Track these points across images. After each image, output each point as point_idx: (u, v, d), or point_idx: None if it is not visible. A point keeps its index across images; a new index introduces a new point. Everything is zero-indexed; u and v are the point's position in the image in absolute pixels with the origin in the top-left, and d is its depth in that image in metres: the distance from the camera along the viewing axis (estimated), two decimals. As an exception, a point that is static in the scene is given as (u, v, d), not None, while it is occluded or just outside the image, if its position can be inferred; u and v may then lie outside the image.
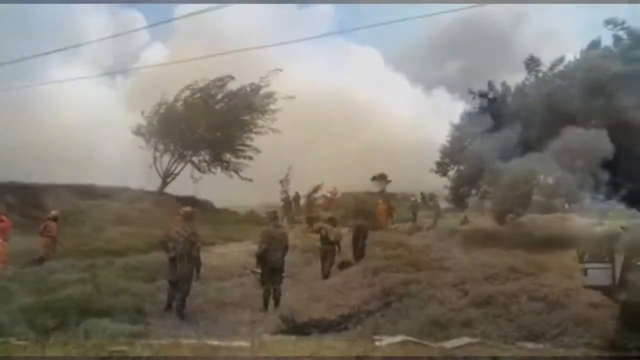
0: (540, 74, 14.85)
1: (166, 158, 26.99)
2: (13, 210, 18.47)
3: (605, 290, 7.02)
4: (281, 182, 27.12)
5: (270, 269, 8.85)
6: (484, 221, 19.51)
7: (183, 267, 7.95)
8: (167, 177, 26.94)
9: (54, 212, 15.26)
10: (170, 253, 8.01)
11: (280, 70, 27.07)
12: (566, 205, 21.61)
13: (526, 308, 7.16)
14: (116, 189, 24.07)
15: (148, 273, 10.41)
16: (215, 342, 6.67)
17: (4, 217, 13.31)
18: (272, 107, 27.40)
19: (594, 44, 14.41)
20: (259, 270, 9.75)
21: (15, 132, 28.63)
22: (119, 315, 6.86)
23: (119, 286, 8.39)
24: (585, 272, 7.48)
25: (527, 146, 13.90)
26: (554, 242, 13.17)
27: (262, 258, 8.98)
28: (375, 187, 29.37)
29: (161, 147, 26.75)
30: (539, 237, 14.87)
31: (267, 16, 39.84)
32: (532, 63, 15.01)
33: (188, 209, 9.16)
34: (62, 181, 22.36)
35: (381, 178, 29.07)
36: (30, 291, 8.24)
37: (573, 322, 6.40)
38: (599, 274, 7.10)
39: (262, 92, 27.42)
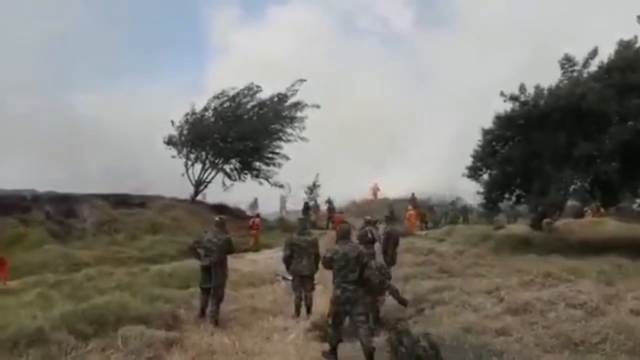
0: (575, 74, 14.39)
1: (198, 167, 27.43)
2: (51, 219, 19.10)
3: None
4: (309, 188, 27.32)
5: (298, 276, 8.87)
6: (518, 226, 19.17)
7: (217, 274, 8.05)
8: (199, 185, 27.30)
9: (257, 211, 19.04)
10: (204, 261, 8.12)
11: (305, 80, 27.45)
12: (601, 209, 21.07)
13: (564, 315, 7.01)
14: (149, 197, 24.54)
15: (181, 280, 10.57)
16: (248, 348, 6.74)
17: None
18: (299, 115, 27.69)
19: (630, 44, 13.94)
20: (289, 277, 9.78)
21: (52, 142, 29.60)
22: (155, 321, 6.97)
23: (154, 293, 8.53)
24: None
25: (559, 149, 13.55)
26: (590, 247, 12.85)
27: (287, 264, 9.03)
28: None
29: (192, 156, 27.17)
30: (574, 242, 14.54)
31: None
32: (567, 63, 14.55)
33: (221, 217, 9.29)
34: (98, 191, 22.89)
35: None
36: (69, 298, 8.48)
37: (614, 329, 6.22)
38: None
39: (289, 101, 27.71)
